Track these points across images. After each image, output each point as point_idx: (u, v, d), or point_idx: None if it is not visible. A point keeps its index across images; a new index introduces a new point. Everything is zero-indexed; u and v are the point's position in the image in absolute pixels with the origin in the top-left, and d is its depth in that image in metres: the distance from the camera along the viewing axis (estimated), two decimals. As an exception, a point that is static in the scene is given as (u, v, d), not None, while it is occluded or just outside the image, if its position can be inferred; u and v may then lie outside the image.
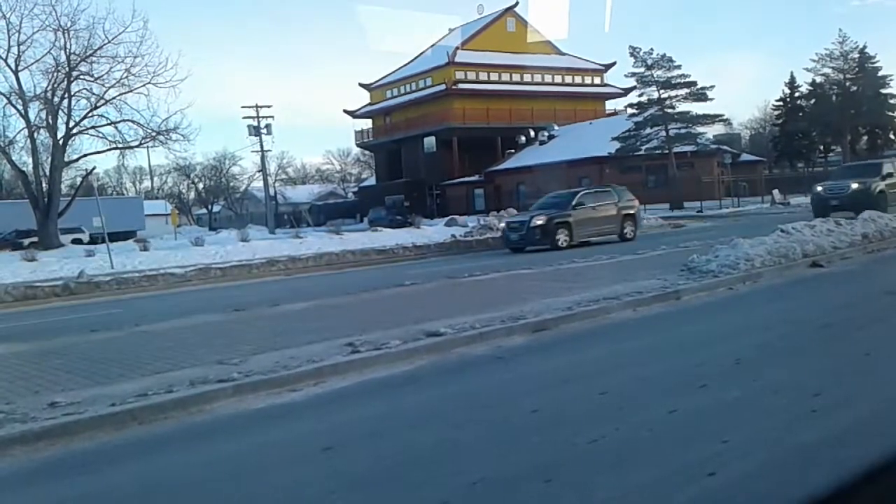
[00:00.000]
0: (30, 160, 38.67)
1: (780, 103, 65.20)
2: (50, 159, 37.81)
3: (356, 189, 75.79)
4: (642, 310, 9.40)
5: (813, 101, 61.33)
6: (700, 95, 42.64)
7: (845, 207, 22.40)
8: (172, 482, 4.51)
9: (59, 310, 14.76)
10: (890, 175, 23.98)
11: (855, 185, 23.24)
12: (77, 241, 40.88)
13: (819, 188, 25.08)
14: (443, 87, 57.33)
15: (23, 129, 37.36)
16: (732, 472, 3.87)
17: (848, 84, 59.73)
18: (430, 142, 58.49)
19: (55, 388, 6.64)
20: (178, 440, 5.29)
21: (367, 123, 68.38)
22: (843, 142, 60.82)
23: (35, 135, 37.48)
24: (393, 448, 4.77)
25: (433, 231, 31.33)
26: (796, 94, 63.50)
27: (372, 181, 71.23)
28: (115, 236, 31.82)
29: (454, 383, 6.60)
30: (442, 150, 57.73)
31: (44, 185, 37.90)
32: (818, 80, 60.93)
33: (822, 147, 64.87)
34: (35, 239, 38.19)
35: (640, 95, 44.68)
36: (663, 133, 42.22)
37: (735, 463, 4.00)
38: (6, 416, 5.65)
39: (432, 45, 64.60)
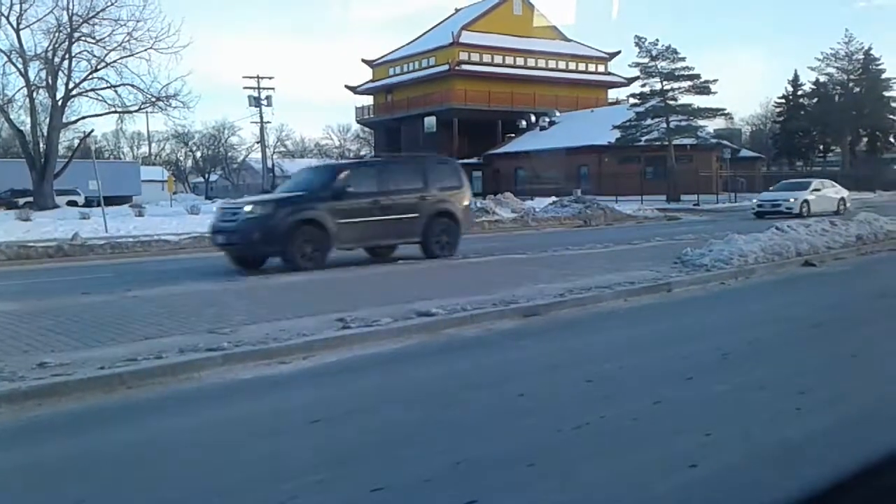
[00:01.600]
0: (28, 119, 38.52)
1: (783, 101, 65.15)
2: (48, 120, 37.62)
3: (354, 165, 75.40)
4: (633, 300, 9.43)
5: (815, 100, 61.29)
6: (703, 89, 42.58)
7: (234, 248, 13.15)
8: (159, 447, 4.53)
9: (51, 271, 14.73)
10: (421, 192, 13.95)
11: (248, 208, 13.09)
12: (72, 203, 40.76)
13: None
14: (446, 67, 57.10)
15: (22, 88, 37.17)
16: (714, 464, 3.91)
17: (851, 85, 59.69)
18: (430, 122, 58.35)
19: (45, 348, 6.65)
20: (166, 406, 5.31)
21: (368, 100, 68.11)
22: (842, 142, 60.88)
23: (34, 94, 37.27)
24: (379, 424, 4.80)
25: (429, 211, 31.23)
26: (799, 93, 63.44)
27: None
28: (111, 200, 31.70)
29: (443, 364, 6.63)
30: (442, 130, 57.60)
31: (41, 145, 37.71)
32: (822, 79, 60.90)
33: (821, 147, 64.94)
34: (30, 199, 38.05)
35: (643, 86, 44.64)
36: (664, 125, 42.20)
37: (717, 456, 4.04)
38: (-6, 374, 5.66)
39: (437, 25, 64.30)
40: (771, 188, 31.55)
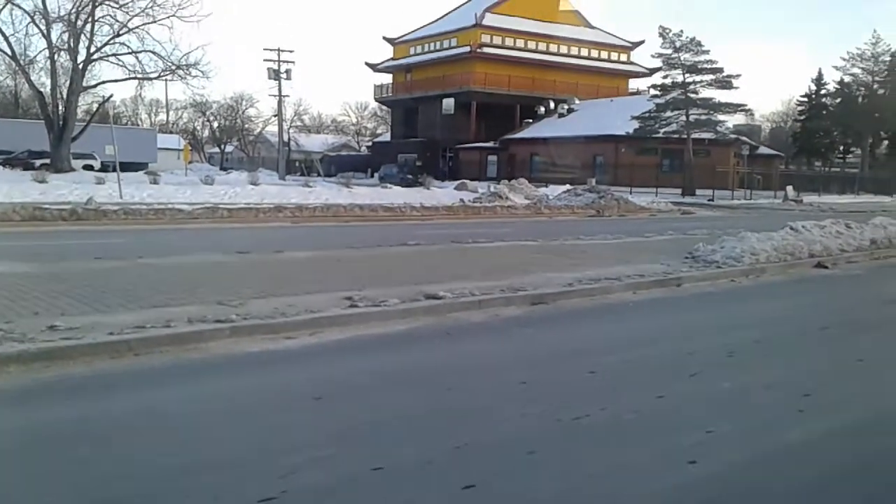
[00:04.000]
0: (48, 81, 38.62)
1: (805, 99, 64.48)
2: (68, 83, 37.73)
3: (370, 143, 75.55)
4: (642, 293, 9.42)
5: (838, 100, 60.59)
6: (725, 83, 42.15)
7: None
8: (163, 415, 4.57)
9: (64, 234, 14.82)
10: None
11: None
12: (88, 168, 40.93)
13: None
14: (467, 49, 56.82)
15: (44, 50, 37.25)
16: (713, 462, 3.92)
17: (876, 87, 58.99)
18: (448, 103, 58.10)
19: (55, 311, 6.72)
20: (173, 375, 5.36)
21: (387, 78, 67.89)
22: (863, 145, 60.25)
23: (56, 56, 37.34)
24: (381, 404, 4.83)
25: (443, 193, 31.27)
26: (822, 92, 62.74)
27: (386, 137, 70.92)
28: (127, 166, 31.84)
29: (447, 348, 6.64)
30: (460, 112, 57.37)
31: (60, 107, 37.84)
32: (846, 79, 60.22)
33: (841, 148, 64.30)
34: (47, 161, 38.22)
35: (665, 77, 44.25)
36: (683, 117, 41.86)
37: (717, 454, 4.05)
38: (4, 334, 5.72)
39: (461, 5, 63.90)
40: None
